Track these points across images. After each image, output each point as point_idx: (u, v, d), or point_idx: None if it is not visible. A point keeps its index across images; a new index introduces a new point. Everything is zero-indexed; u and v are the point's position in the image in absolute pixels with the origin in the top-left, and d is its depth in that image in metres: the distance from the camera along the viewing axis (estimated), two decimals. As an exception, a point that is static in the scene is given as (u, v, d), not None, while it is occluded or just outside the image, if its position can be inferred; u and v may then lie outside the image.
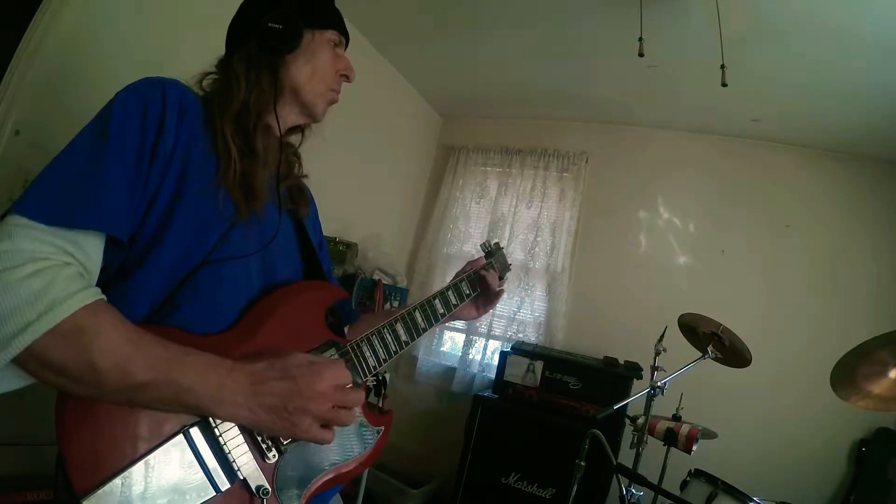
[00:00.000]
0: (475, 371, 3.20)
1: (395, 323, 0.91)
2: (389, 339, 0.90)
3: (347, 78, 0.94)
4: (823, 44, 2.02)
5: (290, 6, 0.84)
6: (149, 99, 0.70)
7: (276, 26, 0.82)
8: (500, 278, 1.17)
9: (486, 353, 3.24)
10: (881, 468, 2.43)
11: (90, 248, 0.64)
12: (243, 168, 0.76)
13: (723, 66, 1.80)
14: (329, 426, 0.71)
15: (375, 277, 2.66)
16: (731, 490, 1.65)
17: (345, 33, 0.95)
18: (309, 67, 0.88)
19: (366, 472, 2.24)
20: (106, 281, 0.68)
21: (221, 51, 0.89)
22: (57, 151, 0.66)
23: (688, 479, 1.82)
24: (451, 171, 3.56)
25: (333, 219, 2.46)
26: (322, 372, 0.69)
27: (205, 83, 0.84)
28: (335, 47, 0.92)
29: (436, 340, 3.44)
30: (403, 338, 0.92)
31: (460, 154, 3.55)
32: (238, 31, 0.88)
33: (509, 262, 1.26)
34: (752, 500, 1.61)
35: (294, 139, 0.98)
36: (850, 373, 1.56)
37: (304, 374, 0.68)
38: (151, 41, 1.63)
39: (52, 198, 0.61)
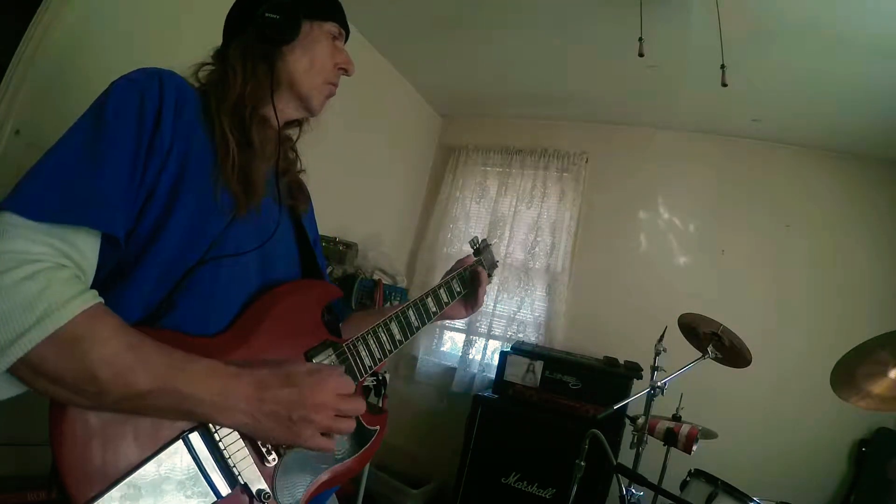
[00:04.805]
0: (475, 371, 3.20)
1: (390, 322, 0.91)
2: (384, 338, 0.89)
3: (346, 71, 0.93)
4: (823, 44, 2.02)
5: None
6: (146, 91, 0.68)
7: (274, 16, 0.80)
8: (489, 275, 1.19)
9: (486, 353, 3.23)
10: (881, 468, 2.43)
11: (86, 247, 0.61)
12: (242, 161, 0.74)
13: (723, 66, 1.80)
14: (329, 434, 0.70)
15: (375, 277, 2.66)
16: (731, 490, 1.65)
17: (345, 26, 0.93)
18: (306, 59, 0.86)
19: (365, 471, 2.24)
20: (100, 282, 0.65)
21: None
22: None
23: (688, 479, 1.83)
24: (451, 171, 3.55)
25: (333, 219, 2.47)
26: (326, 380, 0.69)
27: (200, 74, 0.82)
28: (334, 40, 0.91)
29: (436, 340, 3.43)
30: (398, 336, 0.92)
31: (460, 154, 3.55)
32: (235, 21, 0.86)
33: (496, 259, 1.27)
34: (752, 500, 1.61)
35: (292, 133, 0.96)
36: (850, 373, 1.56)
37: (307, 383, 0.67)
38: (152, 40, 1.62)
39: (45, 194, 0.58)
